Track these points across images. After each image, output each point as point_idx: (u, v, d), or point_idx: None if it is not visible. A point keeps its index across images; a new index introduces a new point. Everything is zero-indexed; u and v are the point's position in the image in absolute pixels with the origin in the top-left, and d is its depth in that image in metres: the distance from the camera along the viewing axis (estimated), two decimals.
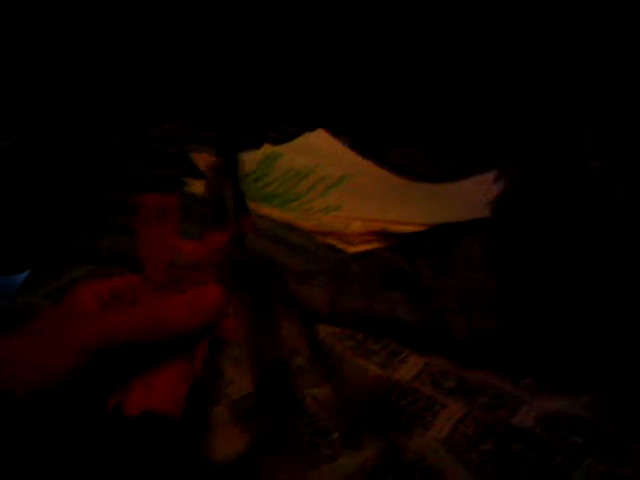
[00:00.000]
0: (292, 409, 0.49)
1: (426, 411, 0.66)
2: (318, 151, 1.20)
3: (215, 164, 0.52)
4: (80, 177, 1.14)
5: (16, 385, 0.39)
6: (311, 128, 1.28)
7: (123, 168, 1.16)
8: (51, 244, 0.96)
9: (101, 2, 1.42)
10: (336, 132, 1.26)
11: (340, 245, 0.90)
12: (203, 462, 0.44)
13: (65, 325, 0.41)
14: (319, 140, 1.24)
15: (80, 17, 1.40)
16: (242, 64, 1.45)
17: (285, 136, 1.28)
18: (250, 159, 1.16)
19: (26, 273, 0.94)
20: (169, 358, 0.42)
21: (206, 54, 1.46)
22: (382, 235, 0.90)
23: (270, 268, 0.50)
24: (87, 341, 0.40)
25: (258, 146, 1.22)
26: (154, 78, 1.46)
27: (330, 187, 1.08)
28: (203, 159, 1.16)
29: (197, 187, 1.07)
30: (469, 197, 0.98)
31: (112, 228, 0.94)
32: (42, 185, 1.12)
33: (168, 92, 1.45)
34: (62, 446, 0.42)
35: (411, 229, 0.90)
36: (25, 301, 0.88)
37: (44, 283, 0.90)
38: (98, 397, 0.41)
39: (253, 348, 0.47)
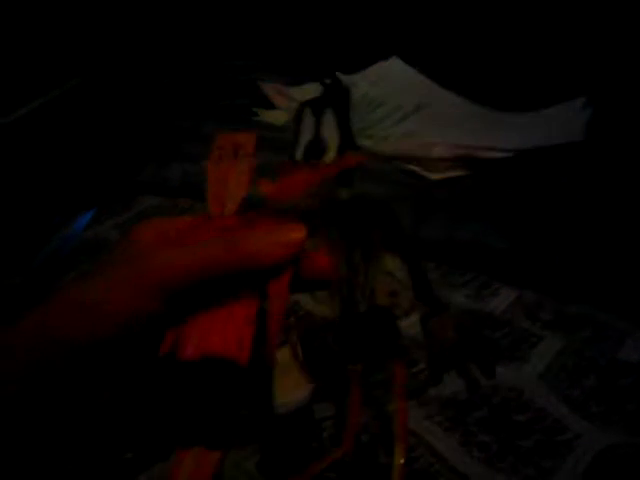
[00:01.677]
0: (395, 350, 0.45)
1: (522, 344, 0.61)
2: (393, 79, 1.15)
3: (306, 93, 0.46)
4: (150, 106, 1.12)
5: (86, 332, 0.36)
6: (384, 56, 1.22)
7: (193, 97, 1.13)
8: (121, 174, 0.93)
9: None
10: (411, 61, 1.20)
11: (422, 172, 0.85)
12: (265, 410, 0.40)
13: (133, 265, 0.37)
14: (393, 68, 1.19)
15: None
16: None
17: (357, 65, 1.22)
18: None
19: (94, 209, 0.93)
20: (233, 296, 0.38)
21: None
22: (466, 161, 0.85)
23: (385, 210, 0.45)
24: (156, 279, 0.36)
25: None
26: (222, 15, 1.42)
27: (407, 115, 1.02)
28: (272, 88, 1.13)
29: (269, 116, 1.03)
30: (558, 122, 0.92)
31: (182, 157, 0.91)
32: (112, 115, 1.10)
33: (237, 28, 1.41)
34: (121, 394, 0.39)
35: (498, 155, 0.84)
36: (94, 234, 0.86)
37: (113, 215, 0.88)
38: (153, 339, 0.37)
39: (351, 295, 0.43)
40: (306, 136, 0.44)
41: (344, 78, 1.15)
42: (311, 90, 1.12)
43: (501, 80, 1.15)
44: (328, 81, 0.50)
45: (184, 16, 1.39)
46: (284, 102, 1.08)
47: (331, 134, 0.44)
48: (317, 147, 0.43)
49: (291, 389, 0.43)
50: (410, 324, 0.58)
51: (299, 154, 0.44)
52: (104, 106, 1.14)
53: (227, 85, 1.17)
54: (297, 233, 0.39)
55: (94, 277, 0.38)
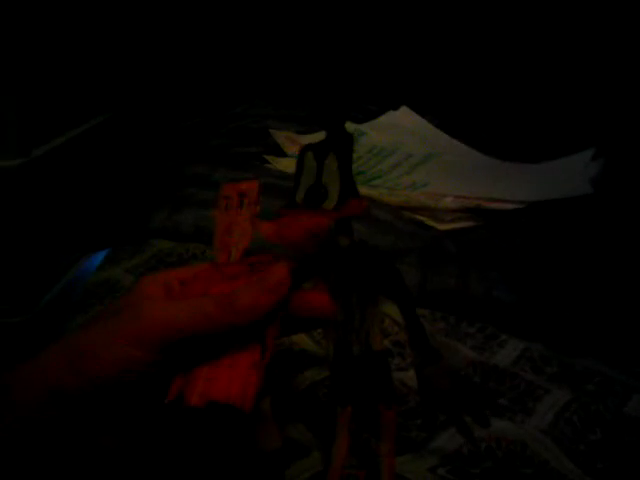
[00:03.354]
0: (385, 395, 0.45)
1: (527, 397, 0.61)
2: (402, 129, 1.17)
3: (316, 140, 0.46)
4: (160, 152, 1.13)
5: (82, 380, 0.37)
6: (394, 106, 1.24)
7: (204, 144, 1.15)
8: (134, 217, 0.94)
9: None
10: (421, 110, 1.22)
11: (430, 222, 0.85)
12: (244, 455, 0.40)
13: (131, 316, 0.39)
14: (403, 118, 1.20)
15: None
16: (324, 43, 1.42)
17: (367, 114, 1.24)
18: None
19: (106, 251, 0.93)
20: (237, 345, 0.39)
21: (288, 34, 1.44)
22: (476, 212, 0.86)
23: (381, 259, 0.46)
24: (152, 332, 0.38)
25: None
26: (238, 58, 1.45)
27: (416, 165, 1.03)
28: (284, 136, 1.14)
29: (280, 164, 1.05)
30: (567, 175, 0.93)
31: (194, 203, 0.92)
32: (123, 161, 1.11)
33: (251, 72, 1.43)
34: (123, 439, 0.40)
35: (508, 207, 0.85)
36: (107, 276, 0.86)
37: (125, 258, 0.89)
38: (159, 385, 0.38)
39: (346, 337, 0.44)
40: (307, 180, 0.44)
41: (354, 127, 1.17)
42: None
43: (510, 130, 1.17)
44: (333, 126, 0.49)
45: (203, 64, 1.41)
46: (296, 150, 1.09)
47: (333, 180, 0.43)
48: (318, 192, 0.43)
49: (264, 439, 0.43)
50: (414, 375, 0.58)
51: (299, 197, 0.44)
52: (119, 149, 1.16)
53: (240, 132, 1.18)
54: (278, 280, 0.40)
55: (92, 326, 0.40)
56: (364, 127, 1.18)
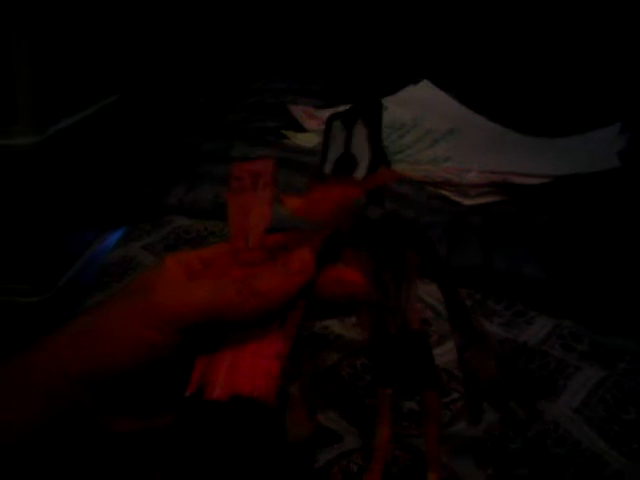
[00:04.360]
0: (427, 378, 0.43)
1: (558, 375, 0.59)
2: (424, 103, 1.14)
3: (343, 110, 0.44)
4: (177, 128, 1.12)
5: (99, 364, 0.36)
6: (416, 80, 1.22)
7: (221, 120, 1.13)
8: (150, 194, 0.93)
9: None
10: (443, 84, 1.19)
11: (455, 197, 0.83)
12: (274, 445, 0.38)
13: (147, 298, 0.37)
14: (424, 92, 1.18)
15: None
16: (345, 15, 1.39)
17: (388, 89, 1.22)
18: None
19: (123, 228, 0.92)
20: (260, 331, 0.37)
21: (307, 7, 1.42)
22: (501, 187, 0.84)
23: (418, 232, 0.43)
24: (168, 313, 0.36)
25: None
26: (256, 33, 1.43)
27: (438, 139, 1.01)
28: (302, 111, 1.12)
29: (299, 139, 1.03)
30: (595, 149, 0.90)
31: (212, 179, 0.90)
32: (143, 135, 1.10)
33: (270, 47, 1.41)
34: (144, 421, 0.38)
35: (534, 181, 0.83)
36: (124, 254, 0.85)
37: (142, 235, 0.87)
38: (182, 367, 0.36)
39: (381, 317, 0.41)
40: (336, 150, 0.42)
41: None
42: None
43: (535, 105, 1.14)
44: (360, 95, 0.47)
45: (221, 39, 1.40)
46: (314, 124, 1.08)
47: (362, 148, 0.41)
48: (347, 162, 0.41)
49: (293, 427, 0.42)
50: (442, 353, 0.57)
51: (328, 168, 0.42)
52: (136, 125, 1.14)
53: (258, 107, 1.17)
54: (303, 259, 0.38)
55: (108, 307, 0.38)
56: (385, 101, 1.15)
